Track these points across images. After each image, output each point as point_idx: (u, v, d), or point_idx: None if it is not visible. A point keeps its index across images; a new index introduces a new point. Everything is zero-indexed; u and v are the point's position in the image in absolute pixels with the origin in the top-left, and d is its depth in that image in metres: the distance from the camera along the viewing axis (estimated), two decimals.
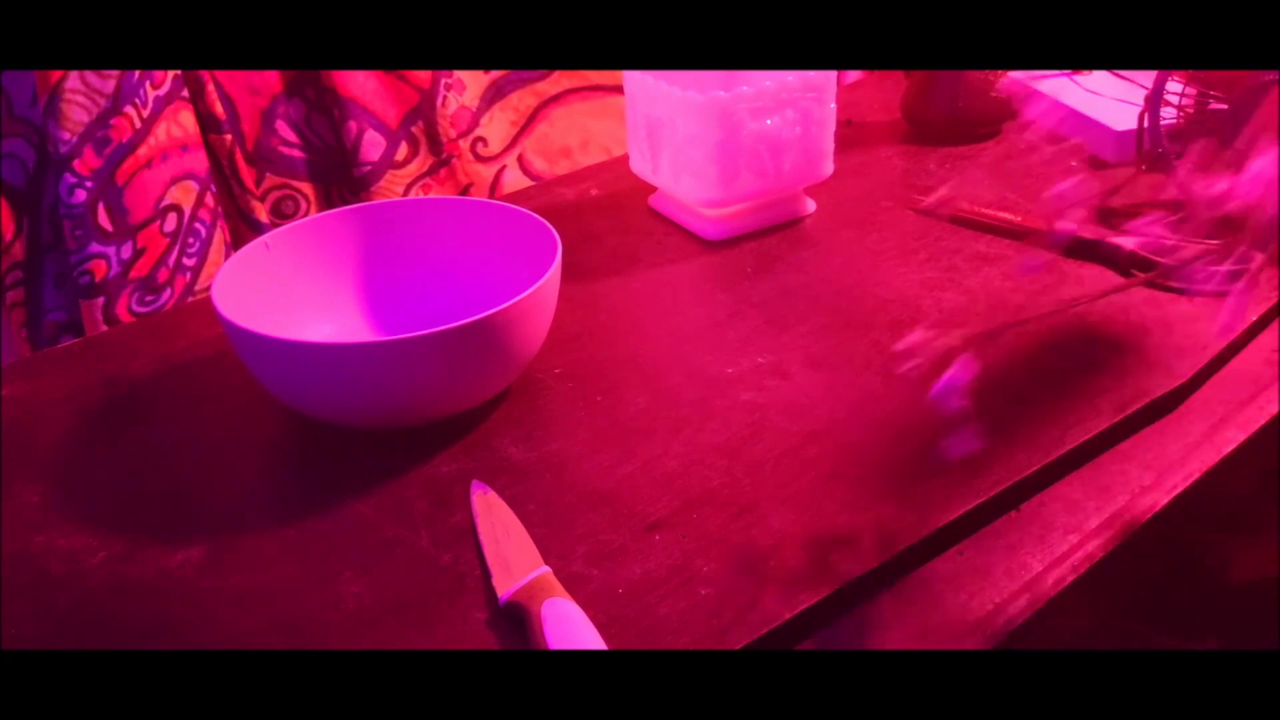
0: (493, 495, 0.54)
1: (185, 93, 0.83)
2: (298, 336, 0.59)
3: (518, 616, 0.47)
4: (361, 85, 0.89)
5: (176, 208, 0.83)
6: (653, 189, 0.83)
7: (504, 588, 0.48)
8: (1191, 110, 0.73)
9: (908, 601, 0.48)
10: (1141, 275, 0.66)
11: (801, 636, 0.47)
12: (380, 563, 0.51)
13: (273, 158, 0.90)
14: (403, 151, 0.93)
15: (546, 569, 0.48)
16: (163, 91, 0.81)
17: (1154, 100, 0.75)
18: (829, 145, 0.79)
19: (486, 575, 0.49)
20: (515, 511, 0.53)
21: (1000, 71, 0.91)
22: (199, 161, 0.85)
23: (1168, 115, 0.75)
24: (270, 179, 0.91)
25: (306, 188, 0.92)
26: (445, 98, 0.94)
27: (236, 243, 0.89)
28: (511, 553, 0.50)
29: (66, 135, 0.76)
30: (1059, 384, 0.59)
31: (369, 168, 0.91)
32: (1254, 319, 0.65)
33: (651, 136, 0.78)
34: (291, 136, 0.90)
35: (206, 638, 0.47)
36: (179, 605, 0.49)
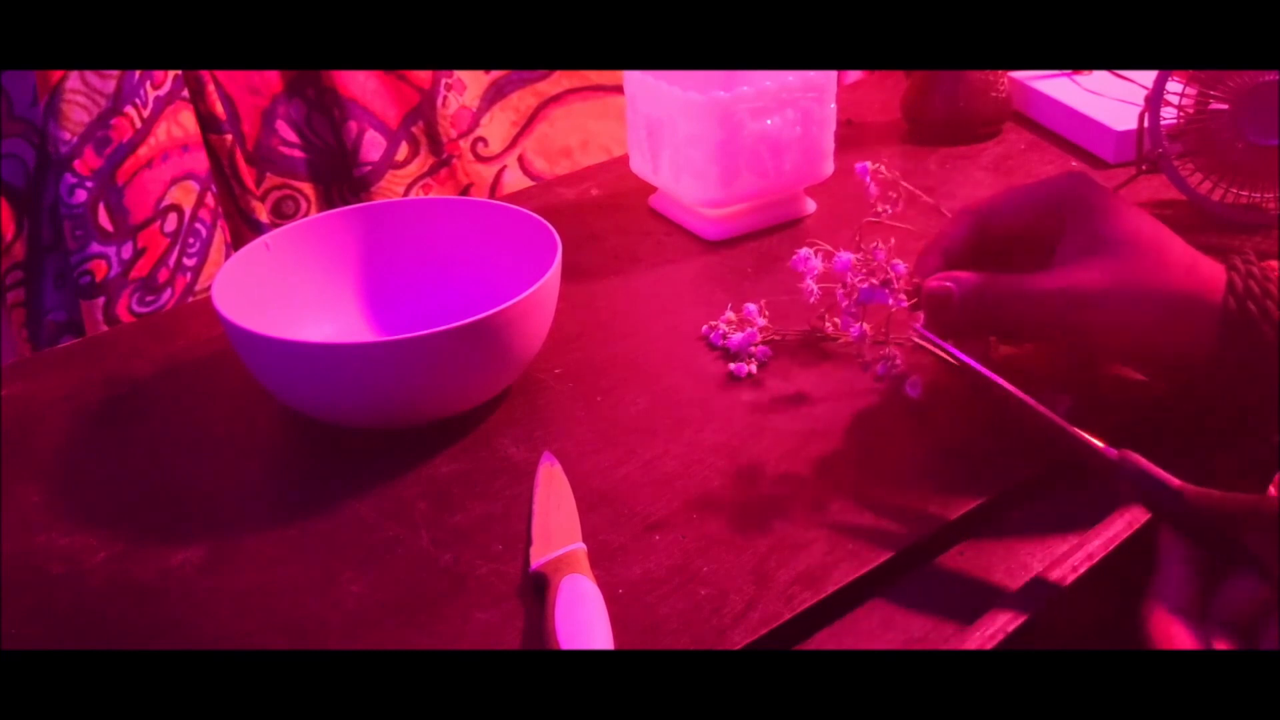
0: (558, 469, 0.55)
1: (185, 93, 0.83)
2: (298, 336, 0.60)
3: (540, 586, 0.47)
4: (362, 85, 0.89)
5: (177, 208, 0.83)
6: (653, 189, 0.83)
7: (537, 557, 0.49)
8: (1191, 110, 0.73)
9: (908, 601, 0.48)
10: None
11: (801, 636, 0.47)
12: (380, 563, 0.51)
13: (273, 158, 0.90)
14: (403, 151, 0.93)
15: (581, 545, 0.49)
16: (163, 91, 0.81)
17: (1154, 100, 0.75)
18: (829, 145, 0.79)
19: (528, 542, 0.50)
20: (516, 512, 0.53)
21: (1000, 71, 0.91)
22: (199, 161, 0.85)
23: (1168, 115, 0.75)
24: (270, 179, 0.91)
25: (307, 188, 0.92)
26: (445, 98, 0.94)
27: (236, 243, 0.90)
28: (556, 526, 0.51)
29: (67, 135, 0.76)
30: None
31: (369, 168, 0.91)
32: None
33: (652, 136, 0.78)
34: (292, 136, 0.90)
35: (206, 638, 0.47)
36: (179, 605, 0.49)
